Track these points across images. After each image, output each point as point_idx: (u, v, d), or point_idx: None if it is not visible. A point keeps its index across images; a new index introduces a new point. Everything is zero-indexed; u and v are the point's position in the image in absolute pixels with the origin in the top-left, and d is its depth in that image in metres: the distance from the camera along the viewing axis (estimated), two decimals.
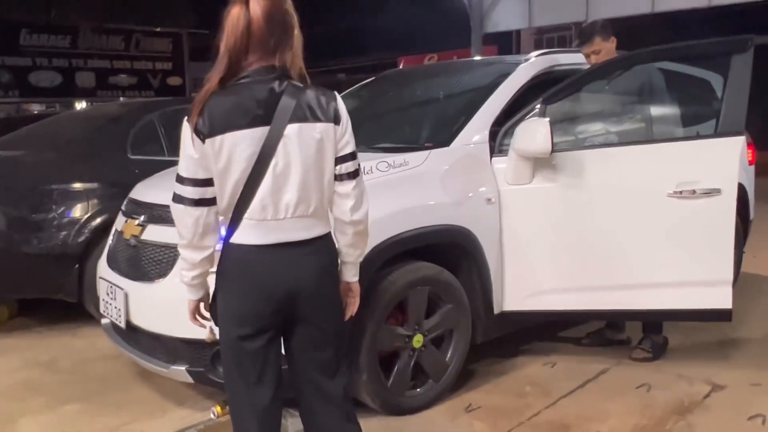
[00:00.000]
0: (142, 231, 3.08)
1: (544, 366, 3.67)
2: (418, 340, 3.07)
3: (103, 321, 3.39)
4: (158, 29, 18.17)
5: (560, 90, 3.40)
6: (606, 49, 3.62)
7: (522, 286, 3.38)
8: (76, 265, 4.21)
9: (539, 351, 3.87)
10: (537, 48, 15.50)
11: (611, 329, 3.96)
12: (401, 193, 3.04)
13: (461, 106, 3.72)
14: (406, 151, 3.25)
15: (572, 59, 3.85)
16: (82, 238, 4.22)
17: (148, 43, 18.01)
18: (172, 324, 2.83)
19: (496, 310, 3.39)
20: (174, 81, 18.61)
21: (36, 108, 16.57)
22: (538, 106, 3.37)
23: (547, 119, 3.10)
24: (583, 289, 3.32)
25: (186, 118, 1.82)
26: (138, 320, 2.99)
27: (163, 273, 2.91)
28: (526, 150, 3.17)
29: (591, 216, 3.27)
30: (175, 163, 4.27)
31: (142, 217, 3.14)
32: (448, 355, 3.24)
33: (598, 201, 3.25)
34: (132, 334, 3.08)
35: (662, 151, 3.22)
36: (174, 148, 4.75)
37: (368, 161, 3.05)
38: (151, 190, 3.32)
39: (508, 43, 15.87)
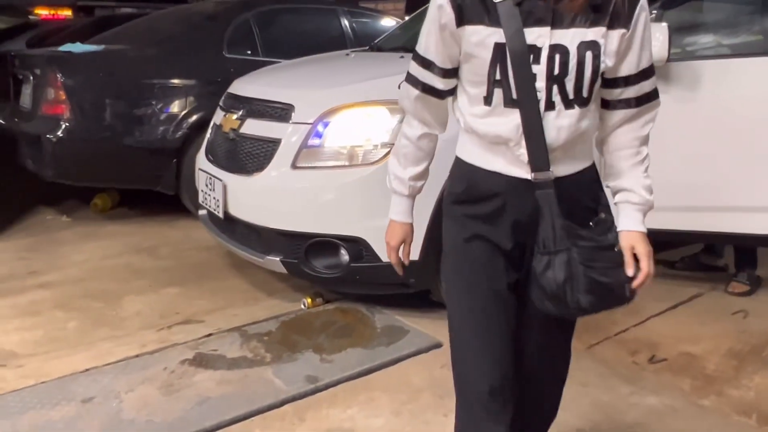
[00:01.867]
0: (240, 125, 3.13)
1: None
2: None
3: (201, 212, 3.53)
4: None
5: None
6: None
7: None
8: (174, 160, 4.36)
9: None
10: None
11: (707, 254, 3.80)
12: None
13: None
14: None
15: None
16: (180, 134, 4.34)
17: None
18: (268, 216, 2.91)
19: None
20: None
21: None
22: (655, 11, 3.14)
23: (665, 24, 2.89)
24: (688, 208, 3.17)
25: None
26: (236, 211, 3.08)
27: (260, 166, 2.97)
28: None
29: (701, 131, 3.08)
30: (269, 64, 4.31)
31: (240, 111, 3.19)
32: None
33: (711, 116, 3.05)
34: (229, 225, 3.19)
35: None
36: (269, 47, 4.79)
37: None
38: (250, 85, 3.35)
39: None
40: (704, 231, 3.21)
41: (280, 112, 2.97)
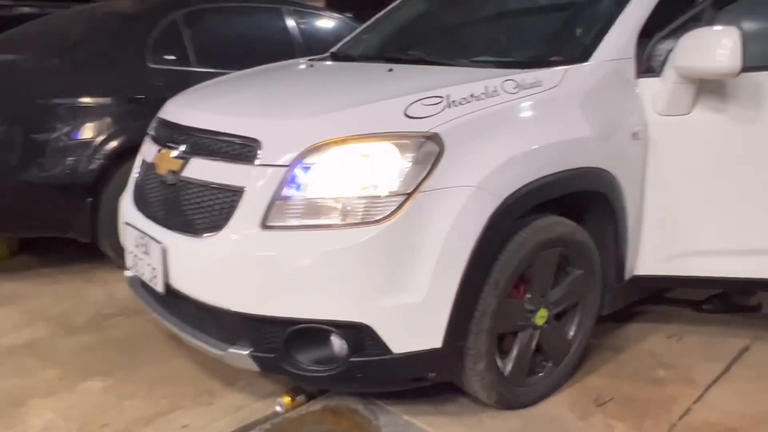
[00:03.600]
0: (183, 165, 2.30)
1: (668, 339, 2.99)
2: (542, 316, 2.37)
3: (128, 273, 2.67)
4: None
5: None
6: None
7: (664, 246, 2.65)
8: (89, 198, 3.45)
9: (653, 316, 3.19)
10: None
11: (738, 293, 3.27)
12: (538, 123, 2.26)
13: (591, 9, 2.86)
14: (523, 68, 2.44)
15: None
16: (94, 165, 3.45)
17: None
18: (230, 293, 2.10)
19: (626, 275, 2.67)
20: None
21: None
22: (704, 9, 2.54)
23: (736, 28, 2.28)
24: (750, 252, 2.59)
25: None
26: (181, 284, 2.25)
27: (216, 225, 2.15)
28: (699, 69, 2.36)
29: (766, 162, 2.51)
30: (203, 75, 3.44)
31: (182, 147, 2.35)
32: (572, 333, 2.54)
33: None
34: (171, 299, 2.36)
35: None
36: (204, 55, 3.93)
37: (486, 80, 2.26)
38: (192, 110, 2.51)
39: None
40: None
41: (241, 149, 2.17)
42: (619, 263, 2.61)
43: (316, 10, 4.99)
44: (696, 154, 2.55)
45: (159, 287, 2.30)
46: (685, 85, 2.46)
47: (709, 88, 2.48)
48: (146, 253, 2.37)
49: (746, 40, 2.29)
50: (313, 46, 4.33)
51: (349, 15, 5.36)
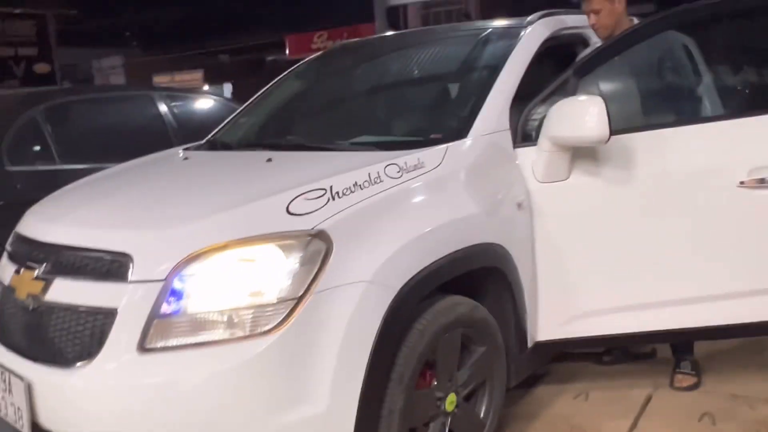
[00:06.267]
0: (45, 288, 2.06)
1: (575, 399, 3.00)
2: (451, 401, 2.29)
3: None
4: (18, 11, 15.99)
5: (592, 59, 2.69)
6: (607, 10, 2.97)
7: (560, 310, 2.67)
8: None
9: (557, 376, 3.19)
10: (425, 24, 14.88)
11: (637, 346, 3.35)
12: (425, 207, 2.22)
13: (464, 83, 2.92)
14: (403, 147, 2.42)
15: (578, 21, 3.16)
16: None
17: (8, 26, 15.83)
18: (111, 430, 1.87)
19: (529, 343, 2.66)
20: (41, 68, 16.54)
21: None
22: (568, 79, 2.64)
23: (600, 97, 2.37)
24: (640, 306, 2.65)
25: None
26: (52, 424, 1.99)
27: (87, 352, 1.92)
28: (571, 137, 2.43)
29: (645, 216, 2.60)
30: (71, 173, 3.19)
31: (43, 267, 2.11)
32: (483, 411, 2.47)
33: (653, 197, 2.58)
34: None
35: (732, 131, 2.58)
36: (68, 152, 3.68)
37: (368, 166, 2.20)
38: (54, 224, 2.27)
39: (393, 19, 14.98)
40: (666, 329, 2.69)
41: (110, 266, 1.97)
42: (521, 333, 2.59)
43: (188, 92, 4.85)
44: (578, 217, 2.60)
45: (24, 428, 2.02)
46: (560, 152, 2.52)
47: (583, 153, 2.56)
48: (8, 390, 2.09)
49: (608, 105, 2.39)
50: (188, 129, 4.18)
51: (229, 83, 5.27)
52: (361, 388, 1.93)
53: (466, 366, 2.37)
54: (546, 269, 2.61)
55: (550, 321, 2.67)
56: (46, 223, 2.30)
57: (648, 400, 2.95)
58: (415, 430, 2.22)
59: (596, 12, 3.00)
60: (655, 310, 2.67)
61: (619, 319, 2.69)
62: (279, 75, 3.56)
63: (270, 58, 25.21)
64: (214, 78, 22.01)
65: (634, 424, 2.76)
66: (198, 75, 22.26)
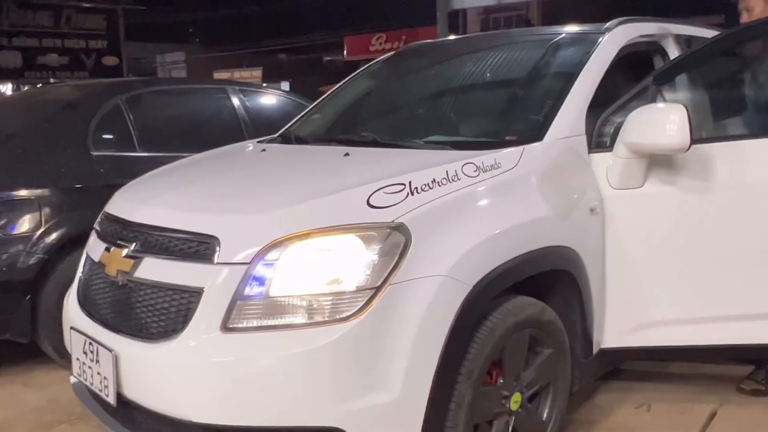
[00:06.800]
0: (134, 266, 2.17)
1: (637, 410, 2.96)
2: (516, 401, 2.30)
3: (74, 379, 2.48)
4: (90, 5, 16.58)
5: (674, 66, 2.67)
6: (761, 9, 2.98)
7: (627, 318, 2.65)
8: (27, 297, 3.24)
9: (618, 385, 3.16)
10: (484, 29, 14.77)
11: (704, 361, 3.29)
12: (501, 206, 2.25)
13: (540, 87, 2.93)
14: (476, 148, 2.45)
15: (655, 29, 3.13)
16: (33, 261, 3.25)
17: (80, 20, 16.44)
18: (190, 403, 1.96)
19: (594, 349, 2.65)
20: (110, 61, 17.13)
21: None
22: (648, 86, 2.63)
23: (683, 105, 2.35)
24: (709, 319, 2.62)
25: None
26: (136, 395, 2.10)
27: (172, 329, 2.02)
28: (650, 145, 2.42)
29: (720, 228, 2.57)
30: (150, 160, 3.34)
31: (132, 245, 2.23)
32: (546, 414, 2.48)
33: (732, 208, 2.55)
34: (124, 409, 2.18)
35: None
36: (148, 140, 3.83)
37: (446, 164, 2.24)
38: (142, 205, 2.39)
39: (452, 23, 14.96)
40: (737, 344, 2.65)
41: (198, 247, 2.07)
42: (587, 338, 2.59)
43: (257, 87, 4.97)
44: (651, 226, 2.58)
45: (111, 399, 2.14)
46: (636, 159, 2.51)
47: (659, 161, 2.54)
48: (95, 360, 2.21)
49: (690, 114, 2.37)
50: (259, 124, 4.30)
51: (286, 82, 5.38)
52: (432, 380, 1.97)
53: (532, 367, 2.38)
54: (615, 276, 2.60)
55: (616, 328, 2.66)
56: (137, 204, 2.41)
57: (713, 415, 2.90)
58: (478, 426, 2.25)
59: (749, 10, 3.03)
60: (726, 323, 2.63)
61: (686, 331, 2.66)
62: (336, 75, 3.64)
63: (328, 58, 25.56)
64: (273, 76, 22.42)
65: None
66: (257, 72, 22.73)
